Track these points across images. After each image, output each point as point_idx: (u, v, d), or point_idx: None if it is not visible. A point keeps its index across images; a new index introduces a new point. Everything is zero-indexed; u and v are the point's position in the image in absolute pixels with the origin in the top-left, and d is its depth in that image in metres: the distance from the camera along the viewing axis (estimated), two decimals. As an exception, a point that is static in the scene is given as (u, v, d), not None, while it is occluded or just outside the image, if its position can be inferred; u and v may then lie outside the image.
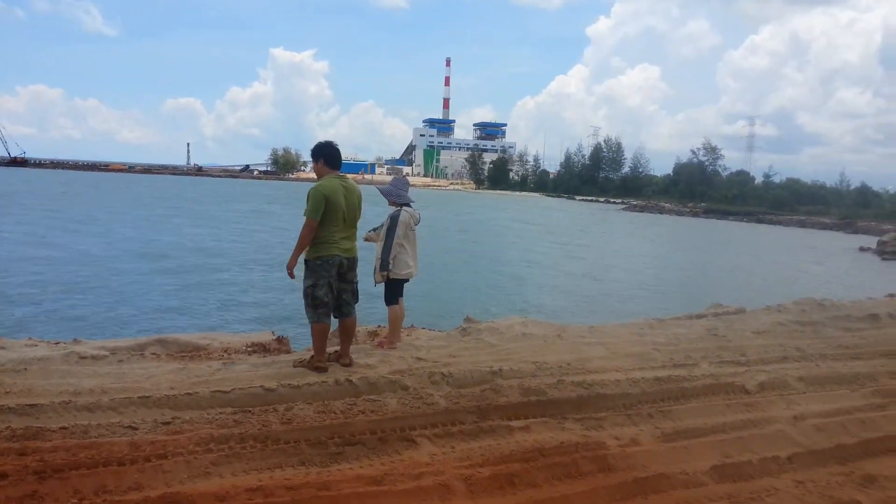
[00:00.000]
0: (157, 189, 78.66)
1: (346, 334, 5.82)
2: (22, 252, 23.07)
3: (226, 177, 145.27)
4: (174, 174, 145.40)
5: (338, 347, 5.81)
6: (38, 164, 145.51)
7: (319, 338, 5.59)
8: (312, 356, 5.58)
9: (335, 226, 5.54)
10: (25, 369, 5.16)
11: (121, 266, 21.44)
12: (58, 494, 3.49)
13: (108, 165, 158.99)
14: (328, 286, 5.55)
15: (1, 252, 22.91)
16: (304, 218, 5.50)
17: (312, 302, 5.55)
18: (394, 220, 6.37)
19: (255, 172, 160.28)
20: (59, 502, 3.42)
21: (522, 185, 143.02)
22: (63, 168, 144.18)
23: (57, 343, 6.41)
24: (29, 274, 18.95)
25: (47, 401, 4.47)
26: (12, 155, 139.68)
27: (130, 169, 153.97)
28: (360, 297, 5.92)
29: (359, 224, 5.84)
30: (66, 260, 22.04)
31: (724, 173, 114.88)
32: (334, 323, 5.83)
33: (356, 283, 5.83)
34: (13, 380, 4.87)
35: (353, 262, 5.72)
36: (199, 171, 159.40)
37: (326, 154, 5.74)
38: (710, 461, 4.55)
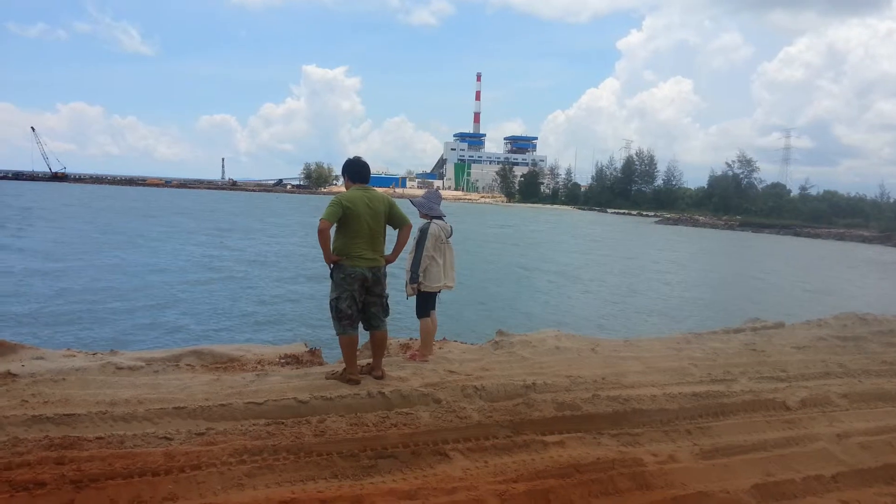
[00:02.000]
0: (200, 202, 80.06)
1: (377, 347, 5.79)
2: (68, 265, 23.58)
3: (260, 191, 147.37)
4: (209, 188, 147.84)
5: (371, 360, 5.78)
6: (78, 179, 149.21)
7: (347, 350, 5.58)
8: (345, 369, 5.57)
9: (359, 238, 5.52)
10: (64, 379, 5.22)
11: (165, 277, 21.78)
12: (94, 504, 3.51)
13: (145, 180, 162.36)
14: (351, 298, 5.52)
15: (49, 265, 23.44)
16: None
17: (336, 314, 5.56)
18: (423, 232, 6.36)
19: (289, 186, 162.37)
20: (95, 512, 3.43)
21: (553, 198, 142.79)
22: (102, 183, 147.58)
23: (94, 354, 6.49)
24: (76, 285, 19.34)
25: (84, 411, 4.52)
26: (53, 170, 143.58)
27: (167, 183, 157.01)
28: (390, 309, 5.88)
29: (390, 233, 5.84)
30: (104, 272, 22.45)
31: (760, 186, 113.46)
32: (365, 336, 5.82)
33: (385, 296, 5.78)
34: (52, 390, 4.94)
35: (378, 274, 5.65)
36: (233, 185, 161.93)
37: (348, 170, 5.83)
38: (752, 479, 4.42)
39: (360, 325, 5.74)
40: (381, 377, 5.61)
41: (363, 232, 5.53)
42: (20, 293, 17.74)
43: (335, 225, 5.52)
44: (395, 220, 5.79)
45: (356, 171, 5.80)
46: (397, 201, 5.98)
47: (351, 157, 5.88)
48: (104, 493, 3.61)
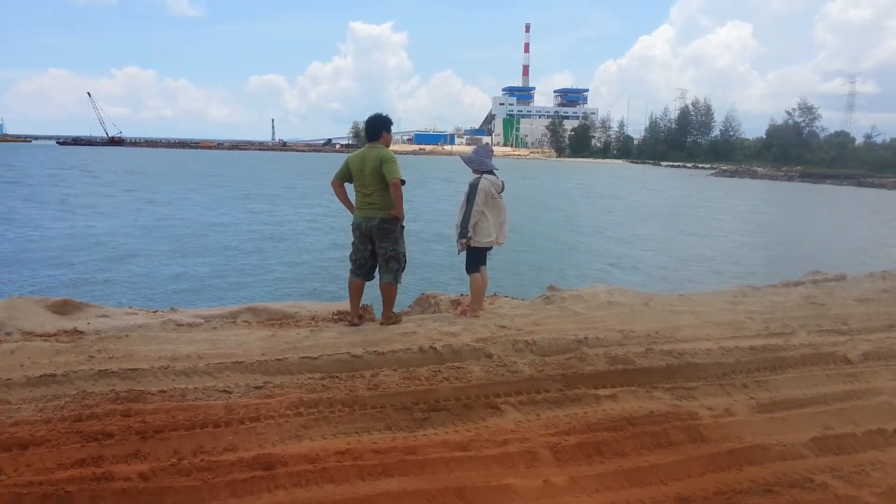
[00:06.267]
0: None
1: (382, 298, 6.16)
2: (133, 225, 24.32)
3: (310, 151, 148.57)
4: (261, 150, 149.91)
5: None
6: (134, 143, 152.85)
7: (350, 293, 6.21)
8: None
9: (356, 192, 6.04)
10: (127, 336, 5.42)
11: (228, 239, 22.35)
12: (159, 454, 3.66)
13: (198, 143, 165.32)
14: (355, 246, 6.11)
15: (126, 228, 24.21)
16: None
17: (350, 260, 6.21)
18: (473, 187, 6.32)
19: (338, 146, 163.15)
20: (160, 461, 3.58)
21: (605, 151, 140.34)
22: (156, 146, 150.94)
23: (155, 311, 6.70)
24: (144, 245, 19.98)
25: (147, 365, 4.69)
26: (110, 135, 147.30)
27: (219, 145, 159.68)
28: (400, 266, 6.05)
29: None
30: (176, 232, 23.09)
31: (822, 135, 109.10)
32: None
33: (390, 251, 5.98)
34: (116, 346, 5.13)
35: (370, 225, 5.92)
36: (283, 146, 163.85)
37: (364, 130, 6.25)
38: (810, 433, 4.34)
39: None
40: (384, 324, 6.04)
41: (357, 186, 6.00)
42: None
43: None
44: (385, 175, 5.88)
45: (366, 130, 6.19)
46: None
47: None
48: (168, 443, 3.75)
